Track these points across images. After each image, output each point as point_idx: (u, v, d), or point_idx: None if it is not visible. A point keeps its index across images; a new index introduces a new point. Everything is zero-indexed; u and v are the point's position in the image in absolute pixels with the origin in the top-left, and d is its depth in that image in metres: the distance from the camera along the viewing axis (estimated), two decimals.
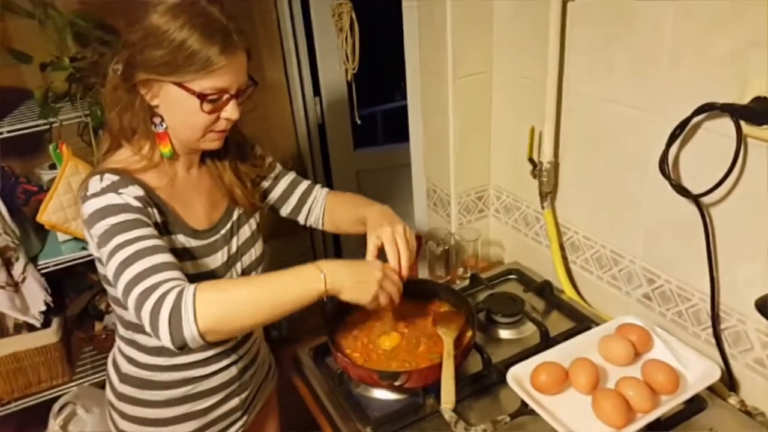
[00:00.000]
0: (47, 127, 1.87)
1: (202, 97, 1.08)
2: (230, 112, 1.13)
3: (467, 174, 1.71)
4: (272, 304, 1.04)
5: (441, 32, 1.54)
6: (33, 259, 1.88)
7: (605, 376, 1.17)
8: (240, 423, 1.38)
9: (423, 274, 1.72)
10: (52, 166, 2.02)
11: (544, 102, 1.43)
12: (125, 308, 1.18)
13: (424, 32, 1.64)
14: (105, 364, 2.06)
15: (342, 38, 1.90)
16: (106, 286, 1.22)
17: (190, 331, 0.97)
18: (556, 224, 1.54)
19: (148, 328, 1.00)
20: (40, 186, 1.99)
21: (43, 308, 1.87)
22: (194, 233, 1.23)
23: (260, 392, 1.45)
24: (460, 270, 1.67)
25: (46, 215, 1.80)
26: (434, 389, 1.19)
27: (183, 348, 0.99)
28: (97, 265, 1.21)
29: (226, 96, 1.11)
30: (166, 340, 0.98)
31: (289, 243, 2.64)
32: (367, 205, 1.35)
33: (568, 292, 1.52)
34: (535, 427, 1.12)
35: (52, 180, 1.91)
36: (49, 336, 1.94)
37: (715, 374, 1.12)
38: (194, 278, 1.11)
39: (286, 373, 1.47)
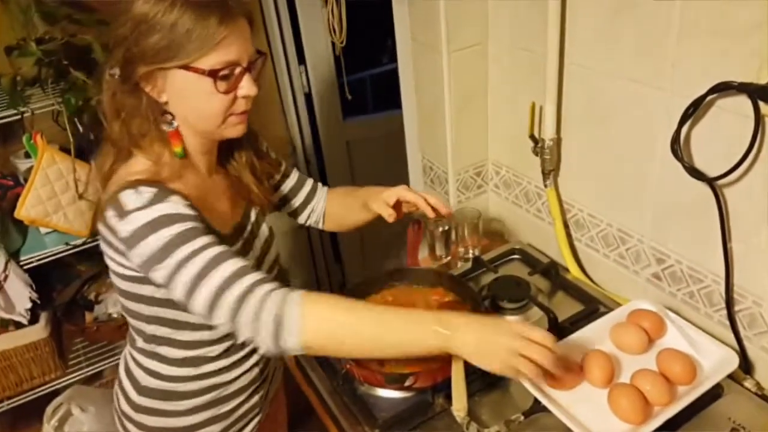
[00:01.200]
0: (18, 117, 1.77)
1: (213, 74, 0.99)
2: (247, 88, 1.04)
3: (465, 150, 1.64)
4: (381, 344, 0.98)
5: (434, 2, 1.44)
6: (14, 255, 1.81)
7: (619, 366, 1.13)
8: (258, 417, 1.33)
9: (422, 254, 1.67)
10: (28, 155, 1.93)
11: (545, 76, 1.35)
12: (150, 322, 1.12)
13: (414, 2, 1.54)
14: (97, 355, 2.05)
15: (328, 10, 1.80)
16: (127, 301, 1.12)
17: (292, 342, 0.94)
18: (560, 202, 1.48)
19: (245, 335, 0.96)
20: (17, 179, 1.90)
21: (29, 305, 1.82)
22: (223, 240, 1.13)
23: (273, 383, 1.40)
24: (461, 250, 1.62)
25: (25, 210, 1.73)
26: (443, 387, 1.16)
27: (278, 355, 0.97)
28: (120, 281, 1.09)
29: (238, 69, 1.02)
30: (264, 347, 0.95)
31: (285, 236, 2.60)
32: (365, 187, 1.33)
33: (574, 272, 1.48)
34: (550, 423, 1.08)
35: (29, 170, 1.82)
36: (38, 332, 1.89)
37: (733, 362, 1.08)
38: None
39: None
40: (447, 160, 1.64)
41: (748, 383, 1.14)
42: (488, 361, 0.97)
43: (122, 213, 0.98)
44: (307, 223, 1.43)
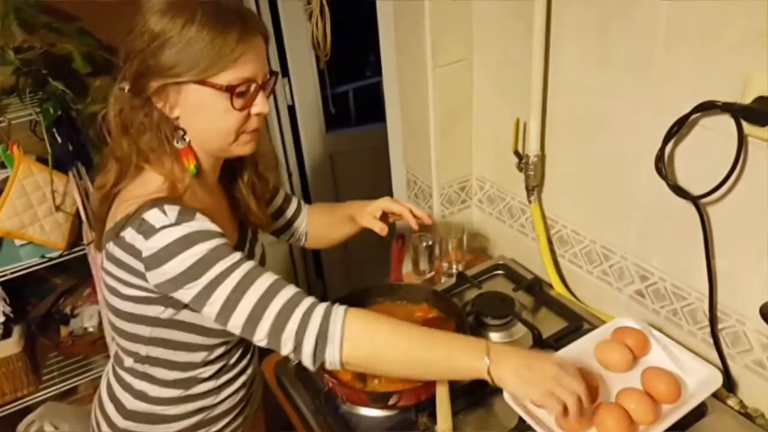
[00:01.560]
0: None
1: (231, 89, 0.98)
2: (260, 105, 1.03)
3: (449, 165, 1.63)
4: (423, 364, 0.97)
5: (419, 18, 1.44)
6: None
7: (604, 384, 1.12)
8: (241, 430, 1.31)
9: (406, 268, 1.66)
10: (4, 165, 1.89)
11: (530, 91, 1.35)
12: (148, 343, 1.09)
13: (399, 17, 1.54)
14: (72, 370, 2.00)
15: (312, 23, 1.79)
16: (124, 322, 1.08)
17: (332, 357, 0.94)
18: (544, 218, 1.48)
19: (288, 347, 0.95)
20: None
21: (2, 319, 1.77)
22: None
23: (255, 398, 1.38)
24: (445, 265, 1.61)
25: (0, 223, 1.68)
26: (426, 405, 1.14)
27: (320, 368, 0.96)
28: (121, 302, 1.05)
29: (253, 87, 1.01)
30: (306, 360, 0.95)
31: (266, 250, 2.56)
32: (345, 202, 1.34)
33: (558, 288, 1.47)
34: None
35: (4, 180, 1.78)
36: (11, 347, 1.85)
37: (717, 381, 1.08)
38: None
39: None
40: (431, 175, 1.63)
41: (732, 401, 1.14)
42: (529, 393, 0.95)
43: (149, 231, 0.95)
44: (289, 242, 1.42)
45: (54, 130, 1.78)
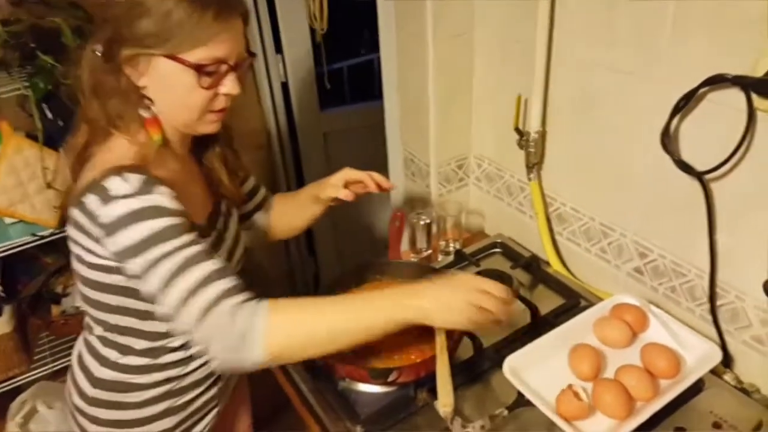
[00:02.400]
0: None
1: (199, 68, 0.97)
2: (230, 86, 1.02)
3: (448, 143, 1.62)
4: (355, 334, 0.97)
5: None
6: None
7: (604, 361, 1.13)
8: (216, 410, 1.31)
9: (403, 247, 1.64)
10: None
11: (533, 67, 1.34)
12: (115, 312, 1.08)
13: None
14: (64, 350, 1.98)
15: None
16: (90, 290, 1.08)
17: (251, 358, 0.93)
18: (543, 196, 1.47)
19: (204, 341, 0.94)
20: None
21: None
22: (200, 231, 1.11)
23: (233, 376, 1.37)
24: (442, 243, 1.60)
25: None
26: (425, 381, 1.14)
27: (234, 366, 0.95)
28: (86, 269, 1.05)
29: (224, 68, 1.00)
30: (219, 361, 0.94)
31: None
32: (306, 186, 1.38)
33: (555, 266, 1.47)
34: (533, 417, 1.07)
35: None
36: (2, 326, 1.81)
37: (716, 357, 1.08)
38: None
39: None
40: (429, 153, 1.62)
41: (728, 377, 1.15)
42: (452, 319, 0.99)
43: (107, 198, 0.94)
44: (254, 227, 1.42)
45: (44, 105, 1.74)
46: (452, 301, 0.98)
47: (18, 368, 1.89)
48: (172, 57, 0.96)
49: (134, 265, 0.95)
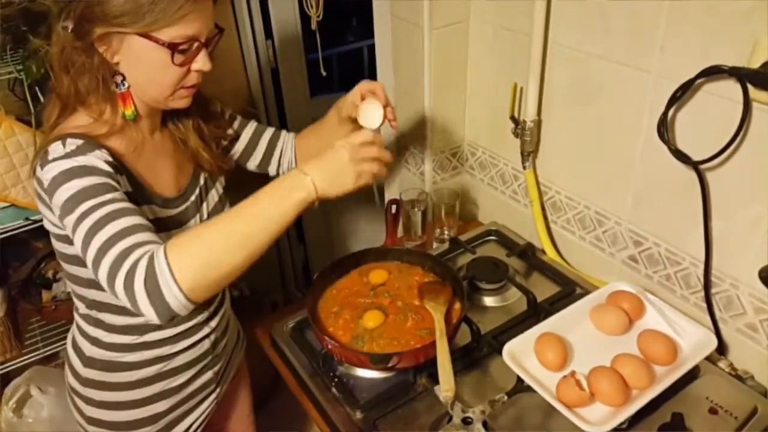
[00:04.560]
0: None
1: (172, 47, 0.98)
2: (202, 63, 1.04)
3: (442, 131, 1.62)
4: (259, 235, 0.93)
5: None
6: None
7: (601, 348, 1.14)
8: (214, 395, 1.32)
9: (399, 234, 1.65)
10: None
11: (529, 56, 1.34)
12: (90, 286, 1.10)
13: None
14: (56, 335, 1.97)
15: None
16: (65, 264, 1.11)
17: (173, 296, 0.87)
18: (537, 184, 1.48)
19: (126, 303, 0.90)
20: None
21: None
22: (165, 202, 1.14)
23: (231, 362, 1.38)
24: (437, 231, 1.61)
25: None
26: (424, 367, 1.15)
27: (173, 319, 0.91)
28: (55, 242, 1.09)
29: (196, 45, 1.01)
30: (150, 314, 0.88)
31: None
32: (327, 114, 1.35)
33: (550, 254, 1.48)
34: (533, 402, 1.09)
35: None
36: None
37: (711, 344, 1.10)
38: None
39: (249, 336, 1.43)
40: (425, 141, 1.62)
41: (723, 363, 1.16)
42: (344, 184, 1.00)
43: (45, 162, 0.98)
44: (280, 172, 1.40)
45: (36, 88, 1.71)
46: (337, 167, 0.99)
47: (9, 353, 1.89)
48: (146, 35, 0.97)
49: (66, 226, 0.96)
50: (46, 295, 1.99)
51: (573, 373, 1.05)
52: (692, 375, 1.12)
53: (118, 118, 1.06)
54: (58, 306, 1.94)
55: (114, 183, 0.98)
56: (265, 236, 0.94)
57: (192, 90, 1.08)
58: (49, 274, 2.00)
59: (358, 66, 2.89)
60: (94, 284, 1.05)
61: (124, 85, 1.04)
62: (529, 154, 1.44)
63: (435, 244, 1.59)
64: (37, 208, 1.64)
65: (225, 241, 0.91)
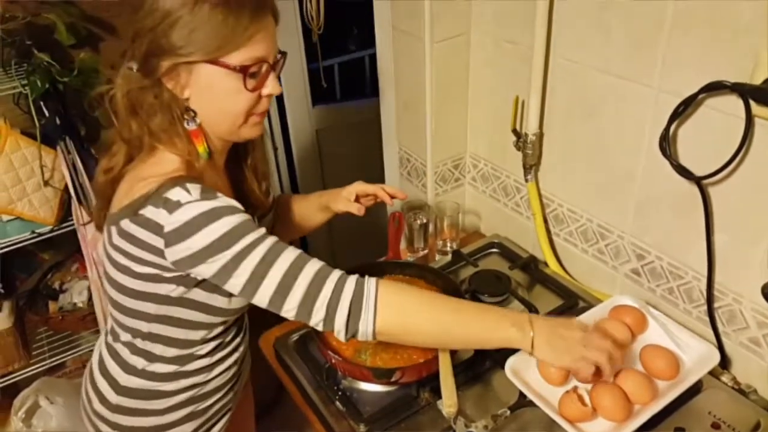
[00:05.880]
0: None
1: (244, 70, 0.97)
2: (272, 86, 1.02)
3: (444, 143, 1.63)
4: (454, 336, 0.99)
5: None
6: None
7: None
8: (230, 412, 1.31)
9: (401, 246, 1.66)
10: None
11: (530, 70, 1.35)
12: (151, 320, 1.08)
13: None
14: (62, 345, 1.98)
15: None
16: (120, 296, 1.07)
17: (366, 323, 0.94)
18: (540, 197, 1.49)
19: (319, 317, 0.95)
20: None
21: None
22: None
23: (244, 374, 1.38)
24: (439, 243, 1.61)
25: None
26: (427, 381, 1.16)
27: (350, 339, 0.96)
28: (130, 281, 1.03)
29: (265, 67, 1.00)
30: (339, 329, 0.95)
31: None
32: (317, 192, 1.38)
33: (552, 266, 1.49)
34: (535, 417, 1.09)
35: None
36: (2, 321, 1.82)
37: (714, 358, 1.10)
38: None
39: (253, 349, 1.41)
40: (426, 153, 1.63)
41: (725, 378, 1.16)
42: (560, 356, 1.00)
43: (174, 206, 0.94)
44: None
45: (41, 103, 1.73)
46: (564, 339, 1.00)
47: (18, 363, 1.90)
48: (215, 62, 0.95)
49: (214, 265, 0.94)
50: (52, 306, 2.00)
51: (575, 389, 1.05)
52: (695, 389, 1.12)
53: (201, 157, 1.04)
54: (65, 317, 1.95)
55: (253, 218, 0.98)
56: (459, 343, 1.01)
57: (263, 117, 1.06)
58: (56, 285, 2.01)
59: (359, 75, 2.90)
60: (161, 319, 1.07)
61: (195, 121, 1.02)
62: (531, 167, 1.45)
63: (437, 256, 1.60)
64: (43, 220, 1.66)
65: (429, 323, 0.98)
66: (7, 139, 1.66)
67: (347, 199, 1.28)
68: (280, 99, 2.60)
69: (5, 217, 1.78)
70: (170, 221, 0.94)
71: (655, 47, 1.12)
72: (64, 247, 2.00)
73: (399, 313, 0.97)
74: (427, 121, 1.58)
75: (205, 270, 0.96)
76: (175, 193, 0.95)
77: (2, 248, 1.76)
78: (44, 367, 1.93)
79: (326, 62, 2.78)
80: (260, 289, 0.95)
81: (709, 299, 1.19)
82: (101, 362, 1.20)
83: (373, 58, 2.84)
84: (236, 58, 0.96)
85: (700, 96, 1.05)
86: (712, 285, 1.17)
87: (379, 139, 1.84)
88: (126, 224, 0.99)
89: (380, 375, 1.12)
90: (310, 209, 1.38)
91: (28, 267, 2.01)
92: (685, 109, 1.08)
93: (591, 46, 1.24)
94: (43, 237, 1.80)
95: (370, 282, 0.96)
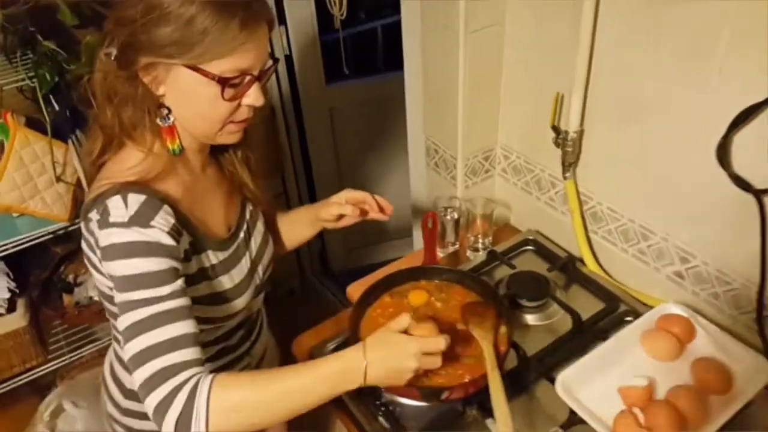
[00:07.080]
0: None
1: (223, 81, 0.91)
2: (254, 97, 0.97)
3: (475, 135, 1.57)
4: (296, 407, 0.91)
5: None
6: None
7: (656, 376, 1.12)
8: None
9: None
10: None
11: (571, 65, 1.28)
12: None
13: None
14: (80, 339, 1.95)
15: None
16: (108, 304, 1.05)
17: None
18: (578, 194, 1.44)
19: (150, 416, 0.87)
20: None
21: (8, 295, 1.71)
22: (221, 245, 1.09)
23: None
24: (471, 238, 1.57)
25: None
26: (474, 397, 1.12)
27: None
28: (104, 287, 1.03)
29: (248, 78, 0.94)
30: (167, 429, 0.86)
31: None
32: (302, 206, 1.37)
33: (590, 265, 1.45)
34: None
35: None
36: (17, 320, 1.79)
37: (766, 372, 1.08)
38: (220, 296, 1.06)
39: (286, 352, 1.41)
40: (457, 145, 1.57)
41: None
42: (397, 383, 0.97)
43: (104, 222, 0.91)
44: None
45: (50, 96, 1.65)
46: (399, 372, 0.95)
47: (36, 360, 1.88)
48: (194, 68, 0.91)
49: (117, 297, 0.91)
50: (67, 299, 1.96)
51: (630, 408, 1.03)
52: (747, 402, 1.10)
53: (169, 154, 1.00)
54: (82, 312, 1.92)
55: (176, 264, 0.92)
56: (305, 408, 0.92)
57: (242, 125, 1.02)
58: (70, 278, 1.97)
59: (371, 50, 2.79)
60: None
61: (169, 119, 0.98)
62: (570, 164, 1.40)
63: (470, 254, 1.56)
64: (56, 217, 1.61)
65: (270, 412, 0.89)
66: (16, 135, 1.59)
67: (339, 203, 1.24)
68: (291, 75, 2.51)
69: (15, 213, 1.73)
70: (100, 237, 0.91)
71: (711, 54, 1.06)
72: (77, 239, 1.95)
73: (233, 418, 0.87)
74: (459, 114, 1.51)
75: (115, 297, 0.92)
76: (113, 204, 0.91)
77: (15, 246, 1.71)
78: (63, 363, 1.91)
79: (336, 35, 2.68)
80: (128, 345, 0.88)
81: (759, 308, 1.15)
82: (111, 366, 1.20)
83: (386, 29, 2.75)
84: (218, 67, 0.91)
85: (765, 106, 1.00)
86: (764, 294, 1.14)
87: (394, 117, 1.76)
88: (83, 227, 0.98)
89: (428, 395, 1.09)
90: (300, 223, 1.34)
91: (42, 262, 1.96)
92: (746, 117, 1.03)
93: (639, 46, 1.18)
94: (58, 233, 1.75)
95: (202, 389, 0.86)
